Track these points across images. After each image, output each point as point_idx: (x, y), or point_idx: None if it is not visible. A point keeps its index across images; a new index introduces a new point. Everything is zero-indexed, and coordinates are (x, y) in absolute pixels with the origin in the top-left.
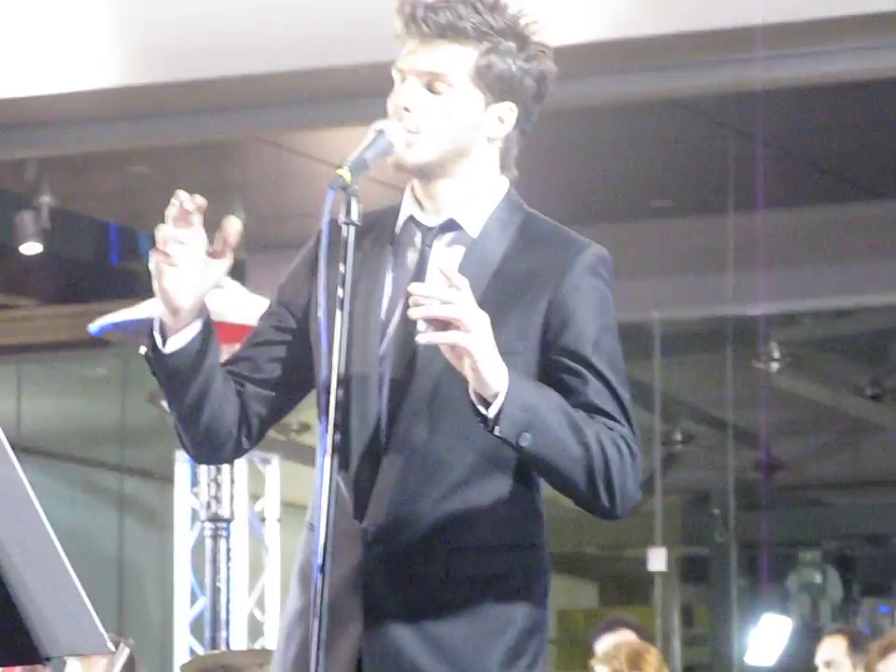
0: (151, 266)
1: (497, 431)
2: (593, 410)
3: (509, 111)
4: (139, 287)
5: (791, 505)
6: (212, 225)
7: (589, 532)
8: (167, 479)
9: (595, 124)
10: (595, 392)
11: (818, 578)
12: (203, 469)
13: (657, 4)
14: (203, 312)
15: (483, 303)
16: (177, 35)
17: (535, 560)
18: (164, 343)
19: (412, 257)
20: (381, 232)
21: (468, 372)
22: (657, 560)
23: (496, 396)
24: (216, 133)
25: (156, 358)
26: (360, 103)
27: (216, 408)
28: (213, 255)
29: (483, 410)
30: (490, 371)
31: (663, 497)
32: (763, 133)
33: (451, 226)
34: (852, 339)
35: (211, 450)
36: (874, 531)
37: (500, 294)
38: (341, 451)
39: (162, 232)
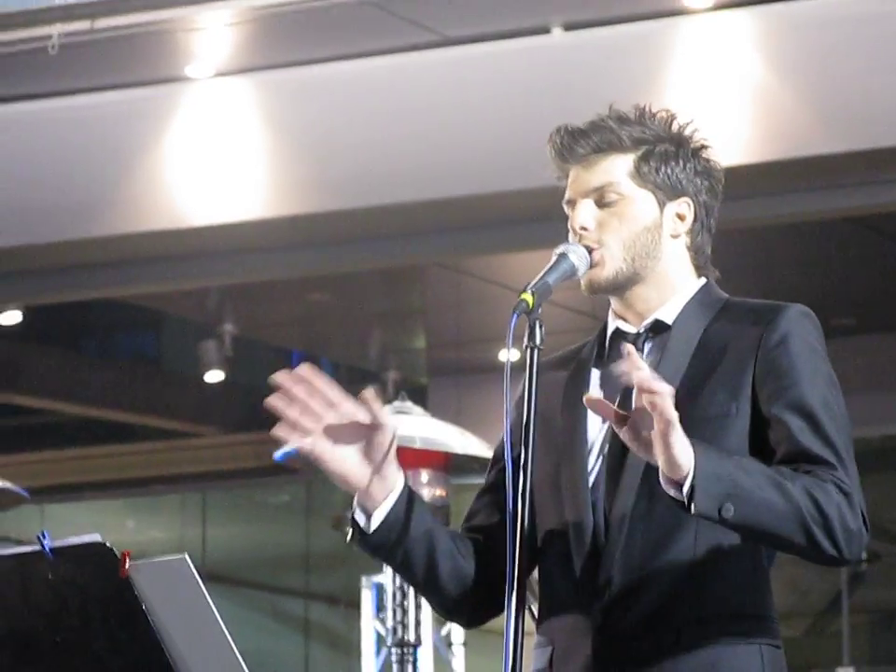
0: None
1: (693, 510)
2: (802, 457)
3: (686, 206)
4: None
5: None
6: (394, 349)
7: None
8: (353, 604)
9: (775, 243)
10: (806, 439)
11: None
12: (388, 593)
13: (836, 122)
14: (396, 480)
15: (690, 376)
16: (356, 163)
17: (769, 631)
18: (369, 521)
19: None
20: (582, 361)
21: (659, 456)
22: None
23: (686, 476)
24: (395, 260)
25: (363, 541)
26: (539, 226)
27: (450, 571)
28: (371, 427)
29: (675, 494)
30: (681, 447)
31: (849, 616)
32: None
33: (658, 326)
34: None
35: (466, 613)
36: None
37: (705, 362)
38: (559, 550)
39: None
